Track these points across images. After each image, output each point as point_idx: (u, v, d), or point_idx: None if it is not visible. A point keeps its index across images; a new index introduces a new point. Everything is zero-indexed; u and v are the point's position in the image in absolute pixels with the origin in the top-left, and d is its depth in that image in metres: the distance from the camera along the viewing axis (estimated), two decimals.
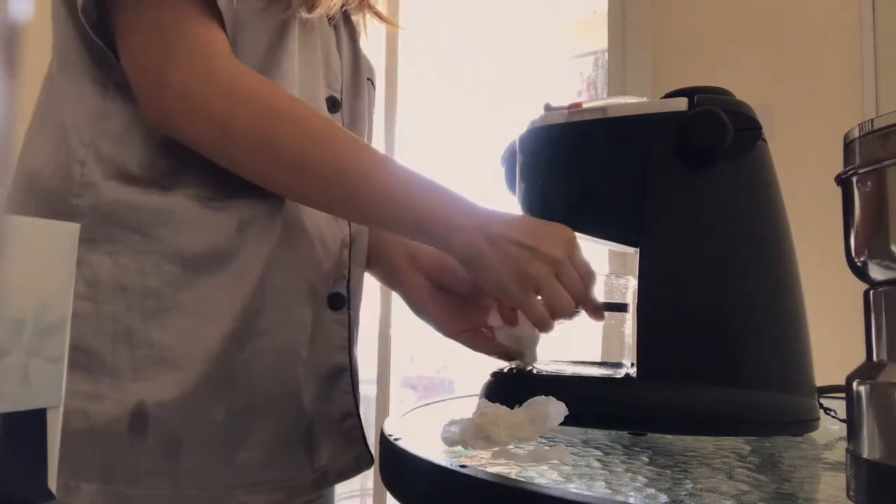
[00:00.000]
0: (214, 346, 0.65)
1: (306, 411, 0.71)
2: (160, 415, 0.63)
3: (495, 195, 0.73)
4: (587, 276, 0.65)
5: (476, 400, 0.64)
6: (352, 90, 0.82)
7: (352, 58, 0.83)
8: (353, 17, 0.84)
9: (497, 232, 0.63)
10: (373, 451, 0.76)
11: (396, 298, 0.86)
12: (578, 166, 0.64)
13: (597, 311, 0.66)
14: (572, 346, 0.69)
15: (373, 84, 0.86)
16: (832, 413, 0.64)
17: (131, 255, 0.64)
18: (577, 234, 0.67)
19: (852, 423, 0.36)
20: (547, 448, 0.50)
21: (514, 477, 0.45)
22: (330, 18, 0.79)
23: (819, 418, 0.59)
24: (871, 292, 0.36)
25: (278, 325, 0.69)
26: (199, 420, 0.64)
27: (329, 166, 0.64)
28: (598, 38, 2.60)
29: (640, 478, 0.45)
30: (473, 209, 0.65)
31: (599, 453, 0.53)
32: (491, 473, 0.44)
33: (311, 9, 0.71)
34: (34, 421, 0.31)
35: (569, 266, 0.63)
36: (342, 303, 0.76)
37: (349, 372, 0.77)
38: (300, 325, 0.71)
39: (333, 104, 0.77)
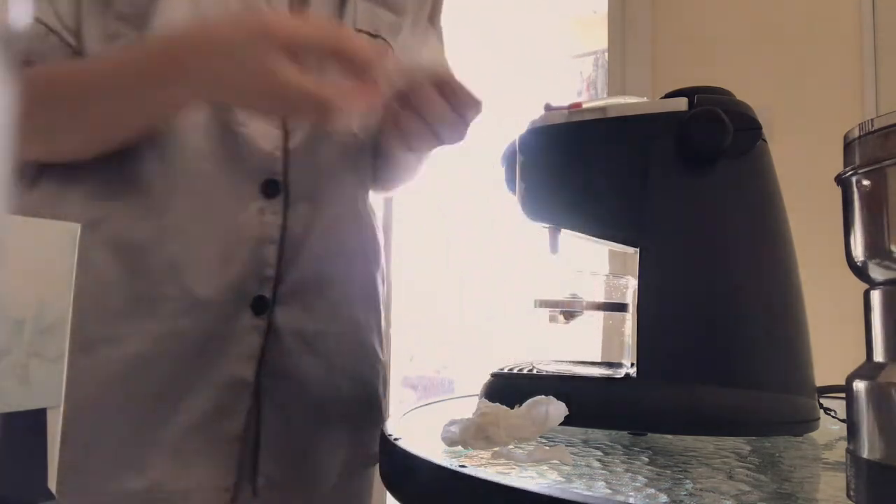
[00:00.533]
0: None
1: (160, 426, 0.65)
2: None
3: (495, 193, 0.72)
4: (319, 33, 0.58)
5: (476, 400, 0.64)
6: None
7: (334, 13, 0.73)
8: None
9: (198, 67, 0.59)
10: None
11: (396, 298, 0.86)
12: (578, 166, 0.64)
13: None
14: (572, 346, 0.69)
15: (373, 35, 0.75)
16: (832, 413, 0.64)
17: None
18: (577, 234, 0.67)
19: (852, 423, 0.36)
20: (547, 448, 0.50)
21: (514, 477, 0.45)
22: None
23: (819, 418, 0.59)
24: (871, 292, 0.36)
25: (130, 334, 0.64)
26: None
27: (55, 109, 0.63)
28: (598, 38, 2.60)
29: (640, 478, 0.45)
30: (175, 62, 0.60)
31: (599, 453, 0.53)
32: (491, 473, 0.44)
33: None
34: (34, 421, 0.31)
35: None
36: (263, 308, 0.69)
37: (253, 388, 0.68)
38: (166, 335, 0.65)
39: None
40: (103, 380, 0.63)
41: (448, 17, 0.87)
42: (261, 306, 0.68)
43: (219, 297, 0.67)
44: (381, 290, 0.82)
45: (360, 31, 0.74)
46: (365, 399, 0.79)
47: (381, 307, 0.82)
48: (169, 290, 0.65)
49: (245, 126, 0.68)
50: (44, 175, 0.67)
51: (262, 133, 0.69)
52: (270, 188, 0.69)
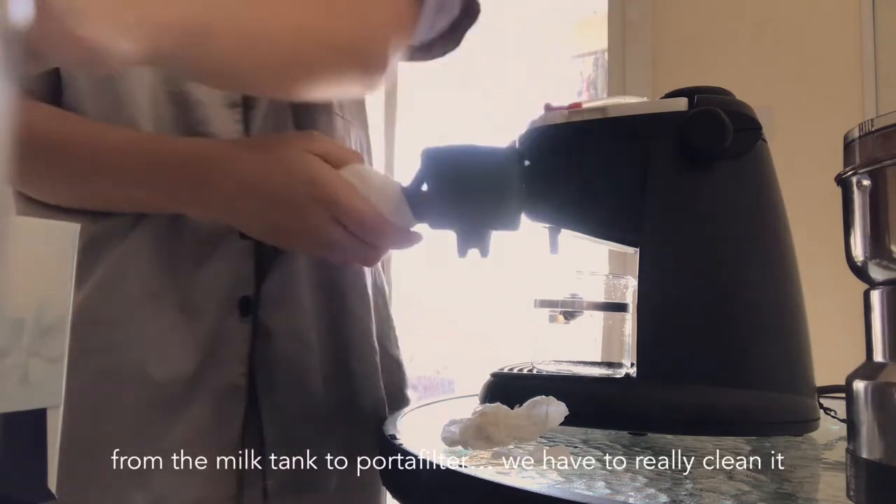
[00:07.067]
0: None
1: (161, 438, 0.63)
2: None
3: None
4: (362, 226, 0.60)
5: (476, 400, 0.64)
6: None
7: None
8: None
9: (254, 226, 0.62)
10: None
11: (396, 298, 0.85)
12: (578, 166, 0.64)
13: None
14: (572, 346, 0.69)
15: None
16: (832, 413, 0.64)
17: None
18: (577, 234, 0.67)
19: (852, 423, 0.36)
20: (547, 448, 0.50)
21: (514, 477, 0.45)
22: None
23: (819, 418, 0.59)
24: (871, 292, 0.36)
25: (116, 342, 0.63)
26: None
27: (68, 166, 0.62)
28: (598, 38, 2.60)
29: (640, 478, 0.45)
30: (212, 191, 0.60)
31: (599, 453, 0.53)
32: (491, 473, 0.44)
33: None
34: (34, 421, 0.31)
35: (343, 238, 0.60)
36: (247, 309, 0.67)
37: (245, 393, 0.66)
38: (152, 339, 0.64)
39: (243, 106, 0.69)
40: (101, 387, 0.62)
41: None
42: (245, 308, 0.67)
43: (202, 301, 0.66)
44: (369, 278, 0.79)
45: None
46: (367, 396, 0.76)
47: (372, 296, 0.79)
48: (166, 289, 0.64)
49: (206, 123, 0.67)
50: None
51: (221, 120, 0.68)
52: None
